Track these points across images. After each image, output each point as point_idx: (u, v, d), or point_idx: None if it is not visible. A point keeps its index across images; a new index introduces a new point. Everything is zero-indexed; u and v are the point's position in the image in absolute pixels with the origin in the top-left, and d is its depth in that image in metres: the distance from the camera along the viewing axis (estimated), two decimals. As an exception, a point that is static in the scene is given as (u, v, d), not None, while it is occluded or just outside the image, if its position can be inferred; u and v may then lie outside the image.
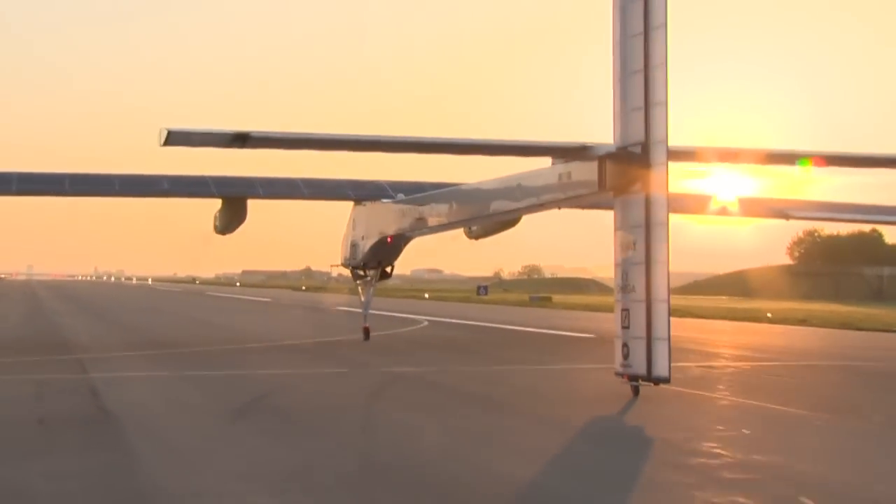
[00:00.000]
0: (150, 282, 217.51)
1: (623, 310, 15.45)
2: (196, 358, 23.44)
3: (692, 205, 27.45)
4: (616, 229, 15.74)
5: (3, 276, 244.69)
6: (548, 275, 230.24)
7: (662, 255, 14.91)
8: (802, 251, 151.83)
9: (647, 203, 15.09)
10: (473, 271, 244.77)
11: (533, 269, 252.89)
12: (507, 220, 27.29)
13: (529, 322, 43.27)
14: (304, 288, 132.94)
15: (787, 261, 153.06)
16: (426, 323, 40.94)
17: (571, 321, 44.66)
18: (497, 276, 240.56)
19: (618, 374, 15.68)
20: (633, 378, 15.40)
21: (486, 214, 21.41)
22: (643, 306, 15.05)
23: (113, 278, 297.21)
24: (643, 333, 15.06)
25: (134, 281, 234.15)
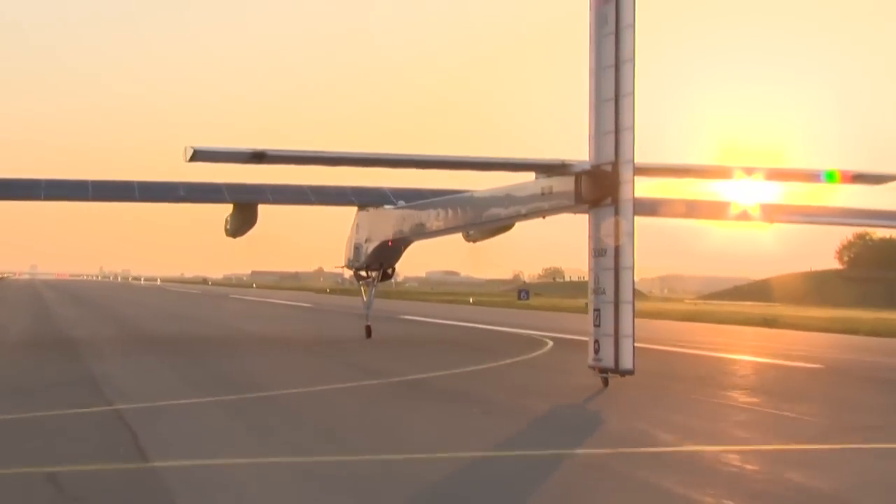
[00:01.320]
0: (158, 282, 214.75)
1: (595, 310, 18.26)
2: (301, 411, 15.53)
3: (723, 211, 30.82)
4: (589, 237, 18.51)
5: (5, 275, 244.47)
6: (570, 278, 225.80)
7: (629, 261, 17.76)
8: (853, 255, 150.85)
9: (616, 215, 17.87)
10: (490, 273, 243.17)
11: (555, 272, 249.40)
12: (501, 227, 30.20)
13: (661, 337, 36.43)
14: (328, 291, 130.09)
15: (836, 265, 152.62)
16: (551, 344, 32.08)
17: (689, 334, 40.04)
18: (517, 278, 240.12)
19: (590, 366, 18.45)
20: (603, 370, 18.17)
21: (479, 222, 24.52)
22: (612, 307, 17.81)
23: (119, 278, 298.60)
24: (612, 331, 17.82)
25: (142, 281, 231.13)
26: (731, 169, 22.98)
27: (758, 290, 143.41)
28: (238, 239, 32.71)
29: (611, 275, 18.00)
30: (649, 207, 30.05)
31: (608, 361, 18.01)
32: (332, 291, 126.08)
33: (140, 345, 29.25)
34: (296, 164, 20.33)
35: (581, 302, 73.87)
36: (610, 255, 18.07)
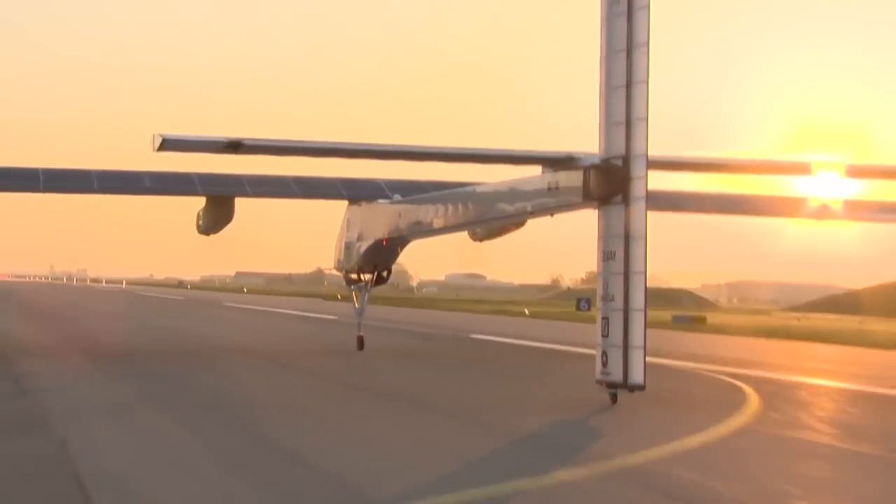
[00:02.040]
0: (124, 285, 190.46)
1: (603, 318, 17.08)
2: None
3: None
4: (599, 239, 17.23)
5: None
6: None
7: (640, 265, 16.54)
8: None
9: (627, 215, 16.61)
10: (522, 277, 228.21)
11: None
12: (510, 224, 28.57)
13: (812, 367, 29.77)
14: (339, 297, 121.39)
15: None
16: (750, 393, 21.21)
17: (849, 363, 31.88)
18: (556, 283, 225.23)
19: (597, 381, 17.20)
20: (612, 385, 16.90)
21: (481, 219, 23.09)
22: (621, 315, 16.55)
23: (74, 279, 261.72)
24: (621, 342, 16.56)
25: (104, 284, 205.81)
26: (767, 163, 21.40)
27: (857, 302, 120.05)
28: (213, 237, 30.70)
29: (620, 280, 16.76)
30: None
31: (617, 375, 16.75)
32: (346, 298, 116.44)
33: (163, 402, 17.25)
34: (276, 155, 19.03)
35: (661, 314, 64.66)
36: (620, 259, 16.84)
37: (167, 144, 17.51)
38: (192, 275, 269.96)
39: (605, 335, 17.03)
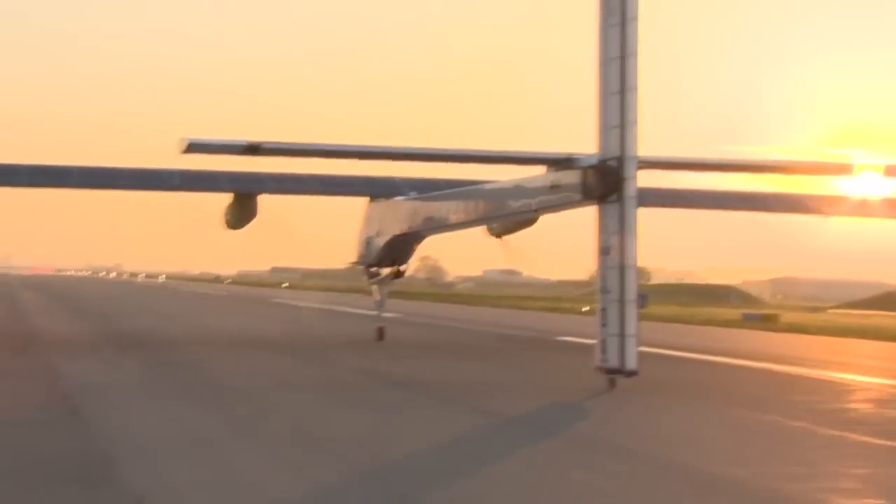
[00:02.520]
0: (162, 279, 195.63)
1: (602, 309, 18.46)
2: None
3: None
4: (596, 235, 18.65)
5: None
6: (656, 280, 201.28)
7: (632, 259, 17.95)
8: None
9: (621, 212, 18.02)
10: (558, 273, 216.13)
11: (642, 273, 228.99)
12: (523, 220, 30.03)
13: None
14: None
15: None
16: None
17: None
18: (594, 278, 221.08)
19: (597, 367, 18.61)
20: (610, 371, 18.33)
21: (491, 216, 24.55)
22: (618, 306, 17.97)
23: (112, 274, 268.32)
24: (618, 331, 17.97)
25: (142, 278, 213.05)
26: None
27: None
28: (241, 231, 32.46)
29: (616, 273, 18.16)
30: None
31: (614, 362, 18.15)
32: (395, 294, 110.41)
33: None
34: (293, 157, 20.60)
35: (728, 312, 63.65)
36: (616, 254, 18.23)
37: (193, 147, 19.16)
38: (227, 269, 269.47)
39: (604, 324, 18.44)
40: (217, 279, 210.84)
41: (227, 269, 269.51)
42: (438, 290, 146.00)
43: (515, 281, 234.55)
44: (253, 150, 19.25)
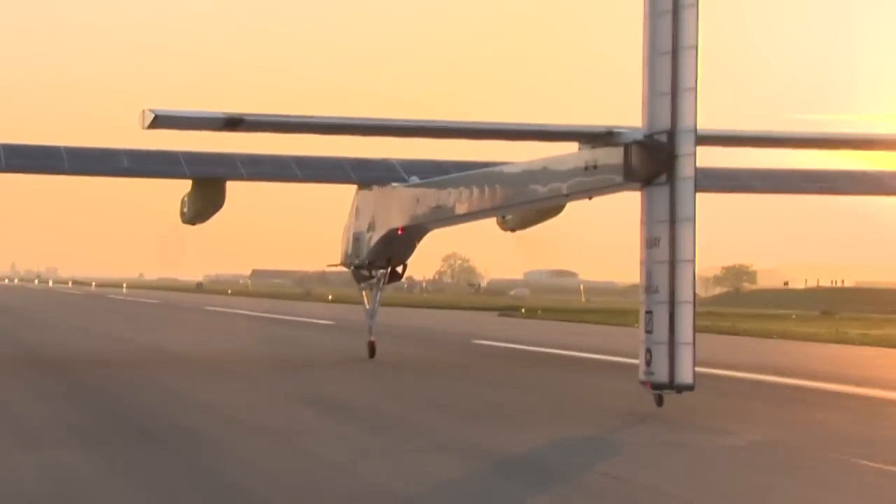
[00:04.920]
0: (125, 289, 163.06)
1: (646, 312, 17.09)
2: None
3: None
4: (641, 224, 17.18)
5: None
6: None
7: (688, 252, 16.58)
8: None
9: (672, 196, 16.56)
10: (619, 275, 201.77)
11: (740, 272, 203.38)
12: (545, 210, 28.24)
13: None
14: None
15: None
16: None
17: None
18: None
19: (641, 382, 17.16)
20: (656, 386, 16.86)
21: (511, 203, 22.97)
22: (667, 308, 16.49)
23: (51, 282, 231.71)
24: (666, 338, 16.50)
25: (93, 287, 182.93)
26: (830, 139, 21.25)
27: None
28: (199, 226, 29.83)
29: (666, 269, 16.73)
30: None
31: (662, 375, 16.69)
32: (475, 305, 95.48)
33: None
34: (282, 132, 19.08)
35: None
36: (665, 246, 16.79)
37: (159, 121, 17.58)
38: (192, 273, 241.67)
39: (649, 331, 17.05)
40: (198, 287, 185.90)
41: (193, 272, 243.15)
42: (488, 299, 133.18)
43: (570, 285, 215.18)
44: (234, 123, 17.56)
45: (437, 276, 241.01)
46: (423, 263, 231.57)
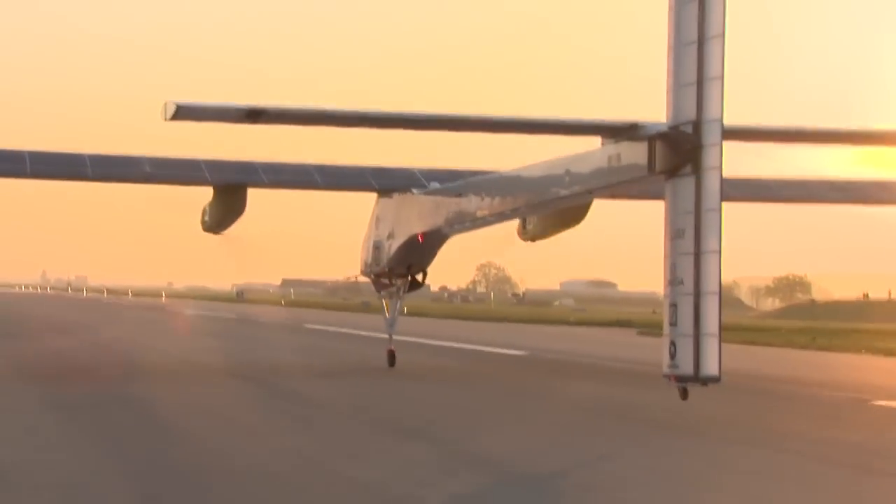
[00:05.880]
0: (164, 299, 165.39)
1: (671, 305, 17.44)
2: None
3: None
4: (665, 216, 17.55)
5: None
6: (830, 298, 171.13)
7: (713, 244, 16.96)
8: None
9: (698, 188, 16.93)
10: (650, 284, 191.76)
11: (796, 284, 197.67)
12: (568, 216, 28.83)
13: None
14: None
15: None
16: None
17: None
18: (728, 290, 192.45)
19: (665, 375, 17.47)
20: (681, 379, 17.17)
21: (532, 204, 23.30)
22: (691, 300, 16.83)
23: (85, 291, 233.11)
24: (691, 330, 16.83)
25: (130, 296, 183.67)
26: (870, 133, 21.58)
27: None
28: (222, 234, 30.64)
29: (690, 260, 17.08)
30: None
31: (686, 367, 17.00)
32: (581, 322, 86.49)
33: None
34: (302, 124, 19.56)
35: None
36: (690, 238, 17.18)
37: (181, 113, 18.03)
38: (221, 282, 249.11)
39: (673, 323, 17.36)
40: (239, 296, 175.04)
41: (222, 282, 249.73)
42: (534, 312, 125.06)
43: (610, 295, 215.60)
44: (255, 115, 18.09)
45: (470, 286, 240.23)
46: (455, 272, 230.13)
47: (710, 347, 16.91)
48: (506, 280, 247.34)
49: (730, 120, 17.56)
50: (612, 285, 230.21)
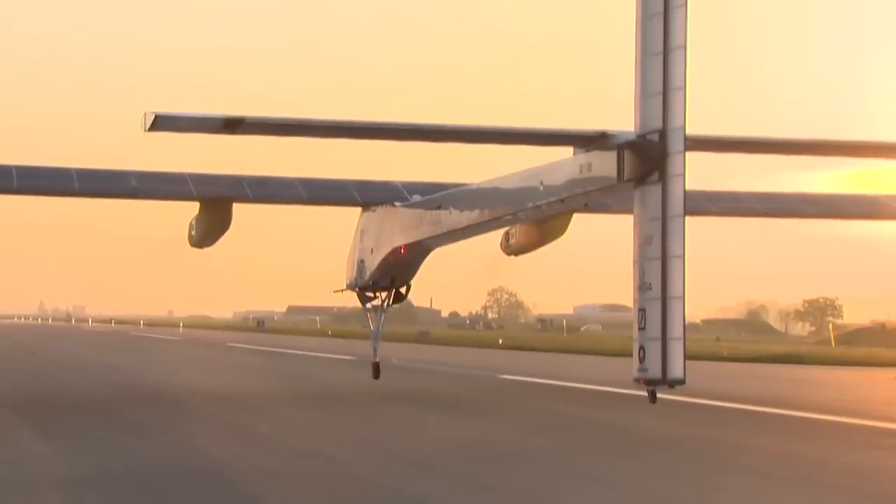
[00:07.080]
0: (181, 328, 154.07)
1: (640, 310, 18.42)
2: None
3: None
4: (634, 223, 18.59)
5: None
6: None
7: (678, 249, 18.00)
8: None
9: (664, 195, 18.00)
10: (697, 308, 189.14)
11: (825, 305, 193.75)
12: (548, 229, 29.94)
13: None
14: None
15: None
16: None
17: None
18: (755, 315, 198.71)
19: (635, 379, 18.50)
20: (650, 382, 18.18)
21: (508, 215, 24.34)
22: (659, 304, 17.86)
23: (90, 321, 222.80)
24: (659, 334, 17.85)
25: (142, 326, 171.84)
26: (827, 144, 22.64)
27: None
28: (207, 249, 31.62)
29: (658, 266, 18.10)
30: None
31: (655, 371, 18.00)
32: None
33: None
34: (279, 135, 20.60)
35: None
36: (657, 243, 18.19)
37: (160, 123, 19.00)
38: (221, 310, 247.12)
39: (642, 327, 18.38)
40: (259, 326, 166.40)
41: (222, 310, 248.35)
42: (557, 337, 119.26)
43: (626, 319, 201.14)
44: (233, 125, 19.10)
45: (482, 311, 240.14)
46: (466, 297, 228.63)
47: (676, 351, 17.92)
48: (518, 305, 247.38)
49: (706, 129, 18.71)
50: (627, 309, 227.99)
